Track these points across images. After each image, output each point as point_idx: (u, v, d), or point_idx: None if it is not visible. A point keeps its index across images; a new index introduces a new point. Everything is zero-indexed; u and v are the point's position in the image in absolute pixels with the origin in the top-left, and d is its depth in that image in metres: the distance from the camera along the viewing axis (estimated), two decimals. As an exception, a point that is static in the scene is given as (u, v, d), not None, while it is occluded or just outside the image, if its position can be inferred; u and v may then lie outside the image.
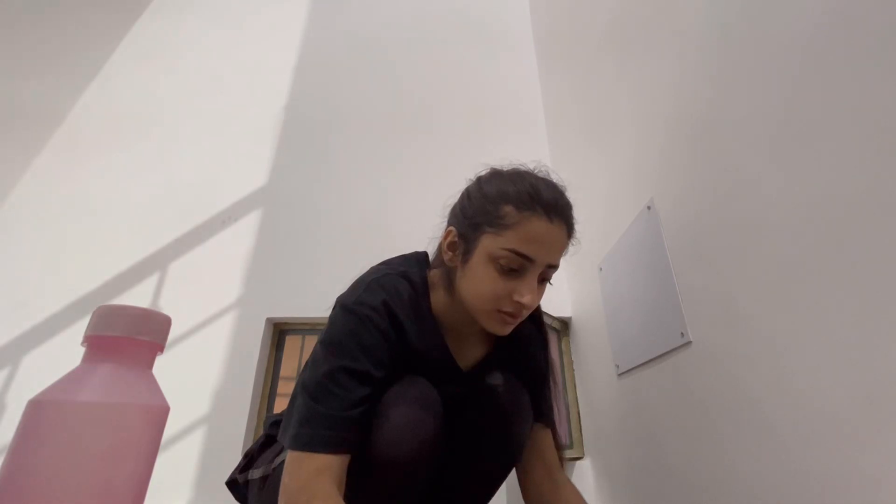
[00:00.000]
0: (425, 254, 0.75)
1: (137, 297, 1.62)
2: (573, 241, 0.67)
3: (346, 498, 0.53)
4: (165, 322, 0.34)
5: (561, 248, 0.64)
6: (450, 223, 0.69)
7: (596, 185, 1.37)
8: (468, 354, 0.73)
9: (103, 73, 2.28)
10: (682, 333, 0.84)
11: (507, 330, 0.64)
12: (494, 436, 0.66)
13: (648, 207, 0.99)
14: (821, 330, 0.54)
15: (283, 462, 0.62)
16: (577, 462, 1.35)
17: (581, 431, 1.39)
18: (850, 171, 0.51)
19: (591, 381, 1.36)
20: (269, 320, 1.51)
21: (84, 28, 2.24)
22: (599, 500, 1.25)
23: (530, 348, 0.77)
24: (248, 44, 2.38)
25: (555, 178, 0.69)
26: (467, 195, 0.69)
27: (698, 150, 0.83)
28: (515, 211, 0.61)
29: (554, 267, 0.64)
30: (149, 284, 1.65)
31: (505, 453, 0.68)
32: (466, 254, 0.64)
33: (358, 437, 0.56)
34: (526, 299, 0.59)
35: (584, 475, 1.31)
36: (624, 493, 1.11)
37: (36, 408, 0.28)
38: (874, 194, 0.48)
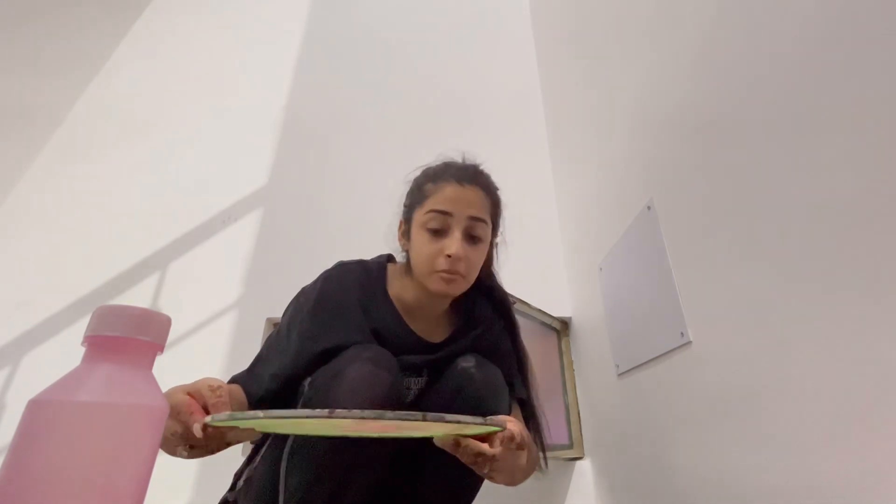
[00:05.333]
0: (391, 254, 0.87)
1: (137, 297, 1.62)
2: (499, 204, 0.80)
3: (311, 465, 0.58)
4: (165, 322, 0.34)
5: (478, 204, 0.74)
6: (400, 218, 0.83)
7: (596, 185, 1.37)
8: (434, 334, 0.79)
9: (103, 73, 2.28)
10: (682, 333, 0.84)
11: (451, 288, 0.72)
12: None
13: (648, 207, 0.99)
14: (821, 330, 0.54)
15: (262, 458, 0.63)
16: (577, 462, 1.35)
17: (581, 431, 1.39)
18: (851, 171, 0.51)
19: (591, 381, 1.36)
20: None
21: (84, 28, 2.24)
22: (599, 500, 1.25)
23: (493, 329, 0.83)
24: (248, 43, 2.38)
25: (477, 161, 0.82)
26: (406, 191, 0.83)
27: (699, 150, 0.83)
28: (432, 184, 0.76)
29: (478, 220, 0.73)
30: (149, 284, 1.65)
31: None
32: (408, 232, 0.78)
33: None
34: (452, 250, 0.70)
35: (584, 475, 1.31)
36: (624, 493, 1.11)
37: (36, 408, 0.28)
38: (875, 194, 0.48)
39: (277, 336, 0.75)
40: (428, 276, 0.72)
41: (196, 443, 0.47)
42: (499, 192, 0.82)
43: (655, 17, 1.04)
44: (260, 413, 0.40)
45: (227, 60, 2.31)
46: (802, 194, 0.58)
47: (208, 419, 0.44)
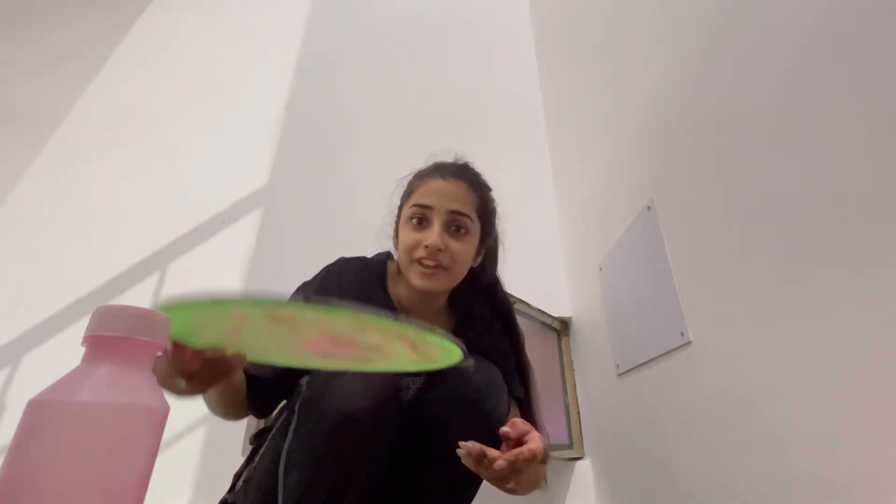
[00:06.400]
0: (391, 252, 0.88)
1: (137, 297, 1.62)
2: (489, 201, 0.80)
3: (309, 464, 0.57)
4: (165, 322, 0.34)
5: (461, 198, 0.75)
6: (393, 220, 0.85)
7: (596, 186, 1.37)
8: None
9: (103, 73, 2.28)
10: (682, 333, 0.84)
11: (428, 282, 0.72)
12: (469, 414, 0.66)
13: (648, 207, 0.99)
14: (820, 330, 0.54)
15: (260, 458, 0.63)
16: (577, 462, 1.35)
17: (581, 431, 1.39)
18: (851, 172, 0.51)
19: (591, 381, 1.35)
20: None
21: (84, 28, 2.24)
22: (599, 500, 1.25)
23: (492, 329, 0.83)
24: (248, 43, 2.38)
25: (466, 160, 0.84)
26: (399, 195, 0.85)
27: (698, 150, 0.83)
28: (417, 180, 0.79)
29: (460, 214, 0.74)
30: (149, 284, 1.65)
31: (481, 432, 0.67)
32: (396, 230, 0.80)
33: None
34: (430, 240, 0.71)
35: (584, 475, 1.31)
36: (624, 493, 1.11)
37: (36, 408, 0.28)
38: (874, 194, 0.48)
39: None
40: (408, 268, 0.73)
41: (184, 366, 0.48)
42: (490, 191, 0.82)
43: (656, 18, 1.04)
44: (216, 296, 0.39)
45: (227, 60, 2.31)
46: (802, 194, 0.58)
47: (162, 305, 0.40)
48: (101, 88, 2.23)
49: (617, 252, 1.17)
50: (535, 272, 1.60)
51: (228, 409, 0.69)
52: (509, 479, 0.53)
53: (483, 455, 0.51)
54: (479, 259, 0.82)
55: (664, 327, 0.90)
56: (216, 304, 0.40)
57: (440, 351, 0.51)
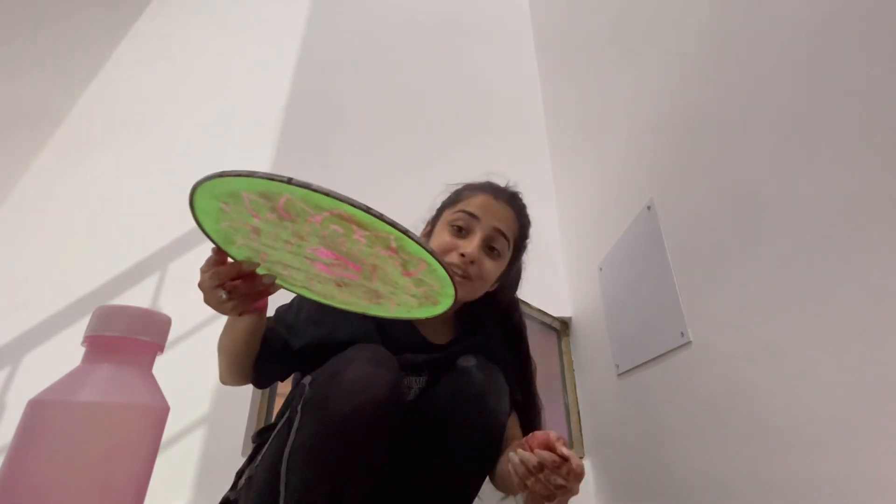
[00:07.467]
0: None
1: (137, 297, 1.62)
2: (527, 234, 0.83)
3: (312, 464, 0.58)
4: (165, 322, 0.34)
5: (506, 219, 0.77)
6: (427, 219, 0.86)
7: (596, 185, 1.37)
8: (438, 336, 0.80)
9: (103, 73, 2.28)
10: (682, 333, 0.84)
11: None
12: (472, 414, 0.66)
13: (648, 207, 0.99)
14: (820, 330, 0.54)
15: (262, 457, 0.64)
16: (577, 462, 1.34)
17: (581, 431, 1.39)
18: (849, 171, 0.51)
19: (591, 381, 1.35)
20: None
21: (84, 28, 2.24)
22: (599, 499, 1.25)
23: (496, 336, 0.84)
24: (249, 43, 2.38)
25: (518, 190, 0.85)
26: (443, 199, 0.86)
27: (698, 150, 0.83)
28: (469, 191, 0.80)
29: (501, 233, 0.75)
30: (149, 284, 1.65)
31: (483, 431, 0.68)
32: (431, 231, 0.80)
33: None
34: (468, 249, 0.71)
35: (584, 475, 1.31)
36: (624, 493, 1.11)
37: (36, 408, 0.28)
38: (873, 194, 0.48)
39: (288, 309, 0.80)
40: None
41: (224, 277, 0.53)
42: (529, 226, 0.84)
43: (655, 17, 1.04)
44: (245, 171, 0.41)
45: (227, 60, 2.31)
46: (802, 194, 0.58)
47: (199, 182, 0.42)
48: (101, 88, 2.23)
49: (617, 252, 1.17)
50: (535, 272, 1.60)
51: (245, 358, 0.71)
52: (555, 495, 0.51)
53: (541, 468, 0.50)
54: (497, 284, 0.82)
55: (664, 327, 0.90)
56: (224, 180, 0.42)
57: (431, 275, 0.51)
